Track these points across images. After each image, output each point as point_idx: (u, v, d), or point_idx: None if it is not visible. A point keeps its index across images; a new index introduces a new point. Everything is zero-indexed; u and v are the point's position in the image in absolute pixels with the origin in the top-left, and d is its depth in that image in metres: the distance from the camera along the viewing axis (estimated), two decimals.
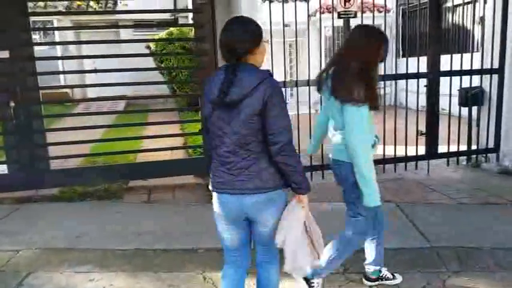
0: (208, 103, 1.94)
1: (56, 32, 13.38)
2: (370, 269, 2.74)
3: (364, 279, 2.80)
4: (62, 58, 10.78)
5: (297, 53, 4.88)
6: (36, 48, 4.94)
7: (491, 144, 5.31)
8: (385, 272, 2.76)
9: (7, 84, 4.61)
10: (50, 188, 4.76)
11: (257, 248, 2.17)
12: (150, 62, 9.95)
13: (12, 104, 4.59)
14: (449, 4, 8.52)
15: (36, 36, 13.13)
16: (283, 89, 1.95)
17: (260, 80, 1.84)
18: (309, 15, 5.07)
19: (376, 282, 2.76)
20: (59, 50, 12.84)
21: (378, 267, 2.74)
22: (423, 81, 5.11)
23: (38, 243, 3.51)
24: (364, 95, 2.24)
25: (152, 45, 10.49)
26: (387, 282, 2.75)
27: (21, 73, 4.62)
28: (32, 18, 5.17)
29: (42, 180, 4.79)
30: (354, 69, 2.29)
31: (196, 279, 2.91)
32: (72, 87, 12.52)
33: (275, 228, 2.03)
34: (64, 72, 10.41)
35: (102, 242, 3.51)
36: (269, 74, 1.89)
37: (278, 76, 4.86)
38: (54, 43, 11.64)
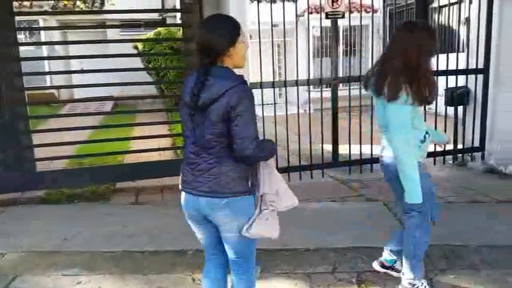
0: (183, 104, 1.96)
1: (42, 32, 13.21)
2: (387, 255, 2.78)
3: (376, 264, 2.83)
4: (48, 58, 10.65)
5: (285, 53, 4.90)
6: (22, 48, 4.87)
7: (476, 143, 5.39)
8: (398, 265, 2.77)
9: None
10: (36, 190, 4.70)
11: (229, 257, 2.10)
12: (137, 63, 9.89)
13: None
14: (435, 5, 8.62)
15: (21, 36, 12.95)
16: (260, 91, 1.95)
17: (229, 87, 1.81)
18: (297, 16, 5.09)
19: (384, 270, 2.80)
20: (45, 50, 12.69)
21: (395, 258, 2.77)
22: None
23: (24, 246, 3.46)
24: (406, 93, 2.25)
25: (140, 45, 10.42)
26: (394, 273, 2.78)
27: (6, 74, 4.55)
28: (18, 18, 5.08)
29: (28, 182, 4.72)
30: (397, 67, 2.31)
31: (185, 281, 2.90)
32: (58, 87, 12.37)
33: (242, 239, 1.97)
34: (50, 73, 10.30)
35: (89, 244, 3.48)
36: (241, 81, 1.85)
37: (266, 76, 4.91)
38: (40, 43, 11.50)
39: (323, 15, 4.98)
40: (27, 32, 13.48)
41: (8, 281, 2.93)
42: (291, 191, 2.12)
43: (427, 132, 2.46)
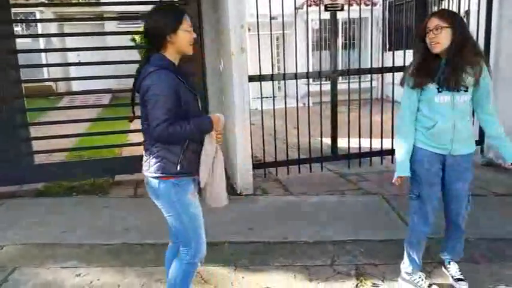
0: None
1: (39, 24, 13.11)
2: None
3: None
4: (45, 51, 10.57)
5: (284, 45, 4.87)
6: (18, 40, 4.84)
7: (476, 137, 5.38)
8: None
9: None
10: (34, 183, 4.69)
11: None
12: (135, 55, 9.82)
13: None
14: None
15: (18, 29, 12.86)
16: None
17: (148, 72, 1.92)
18: (296, 8, 5.05)
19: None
20: (41, 43, 12.60)
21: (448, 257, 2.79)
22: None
23: (23, 238, 3.46)
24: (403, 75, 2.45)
25: (137, 37, 10.35)
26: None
27: (3, 66, 4.52)
28: (14, 10, 5.04)
29: (27, 175, 4.71)
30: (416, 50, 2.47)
31: None
32: (55, 80, 12.29)
33: (175, 223, 2.08)
34: (47, 65, 10.23)
35: (88, 237, 3.48)
36: (161, 67, 1.92)
37: (265, 69, 4.89)
38: (37, 35, 11.40)
39: (322, 8, 4.95)
40: (24, 24, 13.39)
41: (7, 273, 2.94)
42: (225, 195, 2.18)
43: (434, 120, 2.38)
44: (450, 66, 2.28)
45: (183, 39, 1.98)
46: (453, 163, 2.44)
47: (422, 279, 2.62)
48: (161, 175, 1.99)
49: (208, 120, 2.03)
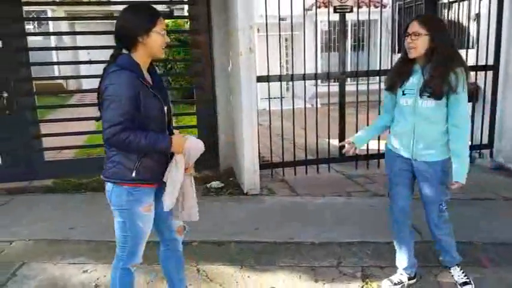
0: None
1: (50, 23, 13.23)
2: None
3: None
4: (56, 49, 10.66)
5: (292, 47, 4.87)
6: (30, 38, 4.89)
7: (485, 141, 5.34)
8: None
9: (0, 75, 4.57)
10: (44, 180, 4.74)
11: None
12: None
13: (5, 94, 4.55)
14: (445, 0, 8.53)
15: (30, 27, 12.99)
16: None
17: (108, 72, 1.85)
18: (305, 9, 5.05)
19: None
20: (53, 41, 12.71)
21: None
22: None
23: (31, 234, 3.50)
24: None
25: None
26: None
27: (14, 64, 4.58)
28: (26, 8, 5.09)
29: (36, 172, 4.77)
30: None
31: (190, 271, 2.92)
32: (66, 78, 12.40)
33: (117, 228, 2.04)
34: (58, 63, 10.31)
35: (96, 233, 3.50)
36: (121, 67, 1.84)
37: (274, 70, 4.88)
38: (48, 33, 11.54)
39: (331, 9, 4.95)
40: (36, 22, 13.51)
41: (15, 268, 2.97)
42: (196, 211, 2.12)
43: (393, 120, 2.56)
44: (422, 72, 2.32)
45: (155, 41, 1.89)
46: (418, 168, 2.47)
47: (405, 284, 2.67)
48: (115, 181, 1.93)
49: (167, 140, 1.90)
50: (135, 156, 1.90)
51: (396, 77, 2.43)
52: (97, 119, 1.97)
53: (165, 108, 2.00)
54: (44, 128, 4.97)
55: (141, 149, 1.86)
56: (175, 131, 2.20)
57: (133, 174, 1.90)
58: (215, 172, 5.07)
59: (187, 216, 2.07)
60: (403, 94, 2.38)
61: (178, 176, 1.94)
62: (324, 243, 3.27)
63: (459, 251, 3.09)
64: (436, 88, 2.25)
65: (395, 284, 2.67)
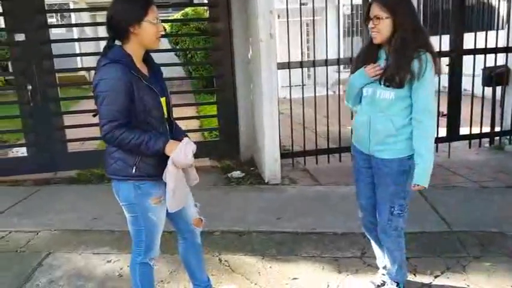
0: None
1: (72, 15, 13.40)
2: None
3: None
4: (78, 40, 10.80)
5: (314, 32, 4.76)
6: (53, 31, 4.94)
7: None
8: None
9: (24, 67, 4.63)
10: (68, 171, 4.82)
11: None
12: (165, 44, 9.88)
13: (29, 87, 4.62)
14: None
15: (53, 20, 13.19)
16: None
17: (99, 66, 1.79)
18: None
19: None
20: (75, 33, 12.88)
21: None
22: (445, 60, 4.93)
23: (56, 224, 3.56)
24: None
25: (167, 26, 10.41)
26: None
27: (37, 56, 4.63)
28: (48, 1, 5.14)
29: (60, 163, 4.85)
30: None
31: (212, 261, 2.91)
32: (88, 69, 12.53)
33: (130, 224, 2.01)
34: (80, 55, 10.45)
35: (119, 224, 3.51)
36: (112, 60, 1.77)
37: (296, 56, 4.78)
38: (70, 25, 11.71)
39: None
40: (59, 15, 13.71)
41: (41, 258, 3.03)
42: (184, 199, 2.03)
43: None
44: (387, 59, 2.07)
45: (147, 31, 1.82)
46: (375, 165, 2.21)
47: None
48: (117, 177, 1.91)
49: (161, 142, 1.83)
50: (130, 152, 1.85)
51: (360, 64, 2.18)
52: (94, 114, 1.91)
53: (162, 99, 1.92)
54: (67, 120, 5.03)
55: (133, 148, 1.80)
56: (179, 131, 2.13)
57: (134, 171, 1.86)
58: (236, 162, 5.05)
59: (175, 206, 1.97)
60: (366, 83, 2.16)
61: (170, 185, 1.88)
62: (347, 233, 3.21)
63: (489, 241, 2.98)
64: (394, 76, 2.01)
65: (378, 286, 2.50)
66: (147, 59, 1.96)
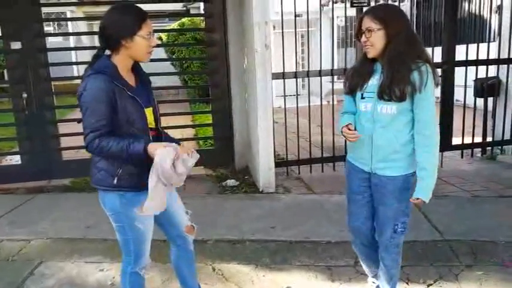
0: None
1: (69, 24, 13.43)
2: None
3: None
4: (74, 49, 10.76)
5: (308, 43, 4.81)
6: (50, 39, 4.96)
7: (507, 136, 5.20)
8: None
9: (20, 75, 4.64)
10: (62, 179, 4.81)
11: None
12: (162, 54, 9.94)
13: (24, 95, 4.62)
14: None
15: (50, 28, 13.22)
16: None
17: (84, 77, 1.81)
18: (321, 5, 4.98)
19: None
20: (72, 42, 12.90)
21: None
22: (437, 72, 4.98)
23: (49, 232, 3.54)
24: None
25: (164, 36, 10.46)
26: None
27: (33, 64, 4.65)
28: (45, 10, 5.17)
29: (55, 171, 4.84)
30: None
31: (205, 270, 2.91)
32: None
33: (118, 233, 2.01)
34: (76, 63, 10.43)
35: (112, 232, 3.46)
36: (95, 71, 1.77)
37: (291, 67, 4.83)
38: (66, 34, 11.70)
39: (348, 5, 4.87)
40: (56, 23, 13.74)
41: (33, 266, 3.01)
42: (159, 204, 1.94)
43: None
44: (383, 73, 2.01)
45: (139, 46, 1.81)
46: (377, 183, 2.13)
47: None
48: (101, 187, 1.91)
49: (142, 145, 1.77)
50: (116, 162, 1.85)
51: (355, 79, 2.11)
52: (78, 121, 1.92)
53: (148, 109, 1.91)
54: (62, 128, 5.03)
55: (115, 154, 1.79)
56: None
57: (115, 181, 1.86)
58: (230, 170, 5.06)
59: (151, 210, 1.91)
60: (362, 98, 2.07)
61: (152, 186, 1.83)
62: (341, 242, 3.21)
63: (481, 250, 3.00)
64: (393, 89, 1.94)
65: None
66: (135, 68, 1.95)
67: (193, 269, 2.34)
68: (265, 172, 4.38)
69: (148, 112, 1.93)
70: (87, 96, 1.76)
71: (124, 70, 1.87)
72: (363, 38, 2.01)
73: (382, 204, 2.15)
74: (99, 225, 3.65)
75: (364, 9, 4.95)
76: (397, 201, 2.11)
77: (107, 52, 1.87)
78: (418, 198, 2.05)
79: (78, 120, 1.89)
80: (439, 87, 5.05)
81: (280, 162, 4.87)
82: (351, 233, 2.38)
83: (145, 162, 1.79)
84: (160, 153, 1.75)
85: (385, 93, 1.98)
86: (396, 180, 2.08)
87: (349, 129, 2.06)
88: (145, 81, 2.01)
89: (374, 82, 2.05)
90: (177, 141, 2.05)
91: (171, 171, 1.75)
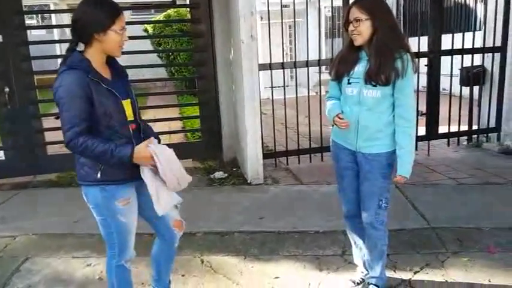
0: None
1: (53, 16, 13.21)
2: None
3: None
4: (56, 42, 10.56)
5: (295, 34, 4.79)
6: (33, 32, 4.86)
7: (492, 124, 5.26)
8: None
9: (1, 70, 4.55)
10: (47, 174, 4.74)
11: None
12: (148, 45, 9.81)
13: (6, 89, 4.54)
14: None
15: (33, 21, 12.99)
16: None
17: (59, 73, 1.77)
18: None
19: None
20: (56, 34, 12.70)
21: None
22: (424, 61, 5.02)
23: (35, 228, 3.50)
24: None
25: (150, 27, 10.33)
26: None
27: (15, 58, 4.55)
28: (27, 2, 5.06)
29: (40, 166, 4.77)
30: None
31: (194, 262, 2.90)
32: None
33: (101, 227, 1.99)
34: (59, 56, 10.27)
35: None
36: (68, 67, 1.75)
37: (278, 58, 4.81)
38: (47, 26, 11.51)
39: None
40: (39, 16, 13.51)
41: (19, 262, 2.97)
42: (170, 204, 2.04)
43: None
44: (368, 60, 2.14)
45: (112, 40, 1.79)
46: (362, 161, 2.27)
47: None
48: (84, 183, 1.90)
49: (129, 148, 1.78)
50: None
51: (342, 66, 2.25)
52: (56, 117, 1.86)
53: (126, 101, 1.90)
54: (46, 122, 4.95)
55: (98, 156, 1.77)
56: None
57: (99, 176, 1.84)
58: (219, 162, 5.05)
59: (162, 210, 1.97)
60: (349, 83, 2.21)
61: (151, 190, 1.88)
62: (329, 231, 3.23)
63: (467, 237, 3.05)
64: (379, 74, 2.08)
65: (357, 284, 2.55)
66: (110, 61, 1.93)
67: (170, 267, 2.33)
68: (253, 164, 4.38)
69: (126, 104, 1.91)
70: (63, 92, 1.74)
71: (98, 64, 1.84)
72: (351, 27, 2.14)
73: (367, 180, 2.28)
74: (86, 219, 3.60)
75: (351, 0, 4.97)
76: (382, 177, 2.25)
77: (81, 46, 1.84)
78: (400, 176, 2.21)
79: (56, 116, 1.84)
80: (426, 77, 5.09)
81: (269, 154, 4.87)
82: (344, 205, 2.50)
83: (127, 166, 1.81)
84: (161, 153, 1.82)
85: (372, 79, 2.12)
86: (380, 156, 2.23)
87: (340, 118, 2.22)
88: (122, 74, 1.98)
89: (360, 69, 2.19)
90: (156, 135, 2.03)
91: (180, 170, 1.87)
